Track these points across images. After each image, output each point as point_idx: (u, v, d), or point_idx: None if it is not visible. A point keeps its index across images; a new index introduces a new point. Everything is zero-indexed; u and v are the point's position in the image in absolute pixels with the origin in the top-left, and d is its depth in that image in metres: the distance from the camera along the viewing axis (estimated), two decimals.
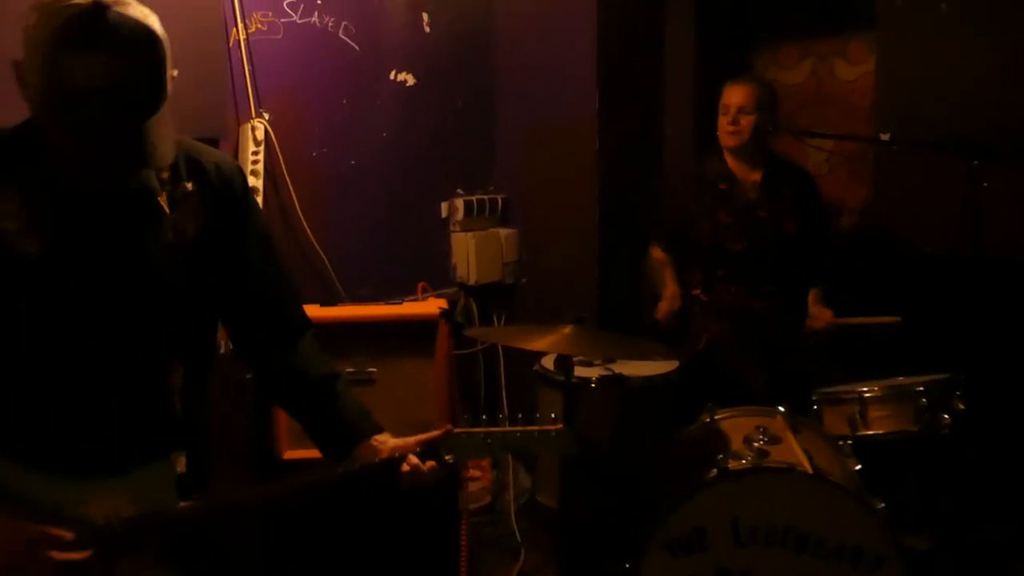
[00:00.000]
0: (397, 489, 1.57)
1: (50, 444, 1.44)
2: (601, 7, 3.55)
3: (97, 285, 1.43)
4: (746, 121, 3.05)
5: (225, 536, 1.59)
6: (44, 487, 1.42)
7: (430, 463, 1.56)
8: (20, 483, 1.42)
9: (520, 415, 1.63)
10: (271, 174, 3.02)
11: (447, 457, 1.58)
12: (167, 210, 1.47)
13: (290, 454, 2.71)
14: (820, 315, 3.03)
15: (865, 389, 2.50)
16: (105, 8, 1.28)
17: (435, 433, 1.59)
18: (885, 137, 3.18)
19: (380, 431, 1.63)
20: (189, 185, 1.50)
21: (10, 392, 1.44)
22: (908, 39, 3.23)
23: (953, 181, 2.88)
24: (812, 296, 3.09)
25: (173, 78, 1.40)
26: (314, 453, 2.58)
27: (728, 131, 3.08)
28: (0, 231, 1.36)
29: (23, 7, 1.32)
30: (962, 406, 2.44)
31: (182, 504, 1.48)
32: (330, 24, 3.23)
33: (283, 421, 2.71)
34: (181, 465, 1.49)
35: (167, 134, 1.37)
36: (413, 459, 1.55)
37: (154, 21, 1.35)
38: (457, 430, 1.59)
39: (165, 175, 1.47)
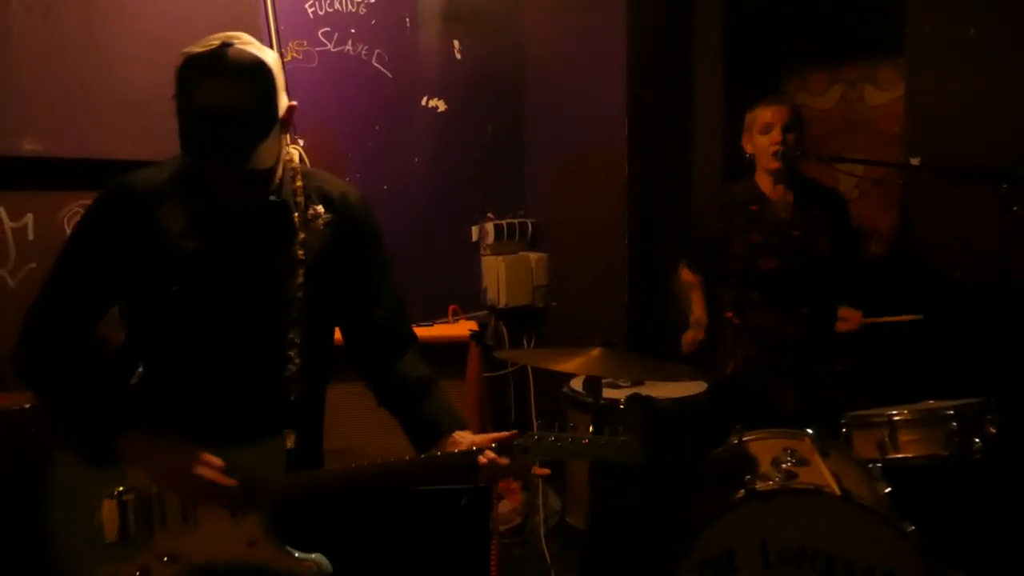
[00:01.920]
0: (476, 483, 1.76)
1: (185, 414, 1.70)
2: (630, 35, 3.60)
3: (235, 282, 1.70)
4: (792, 138, 3.03)
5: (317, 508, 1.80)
6: None
7: (505, 459, 1.70)
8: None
9: (591, 428, 1.74)
10: None
11: (531, 465, 1.72)
12: (298, 226, 1.73)
13: None
14: (850, 316, 3.02)
15: (895, 412, 2.47)
16: (226, 47, 1.57)
17: (506, 433, 1.73)
18: (915, 162, 3.19)
19: (463, 428, 1.81)
20: (319, 208, 1.76)
21: (153, 367, 1.75)
22: (937, 64, 3.23)
23: (983, 206, 2.87)
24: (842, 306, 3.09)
25: (293, 107, 1.67)
26: None
27: (773, 150, 3.02)
28: (167, 229, 1.66)
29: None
30: (993, 430, 2.41)
31: (289, 473, 1.69)
32: (363, 52, 3.31)
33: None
34: (291, 441, 1.70)
35: (274, 149, 1.62)
36: (490, 453, 1.69)
37: (269, 57, 1.62)
38: (529, 433, 1.71)
39: (300, 199, 1.75)
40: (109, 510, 1.71)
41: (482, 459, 1.70)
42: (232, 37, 1.60)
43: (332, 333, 1.86)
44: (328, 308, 1.79)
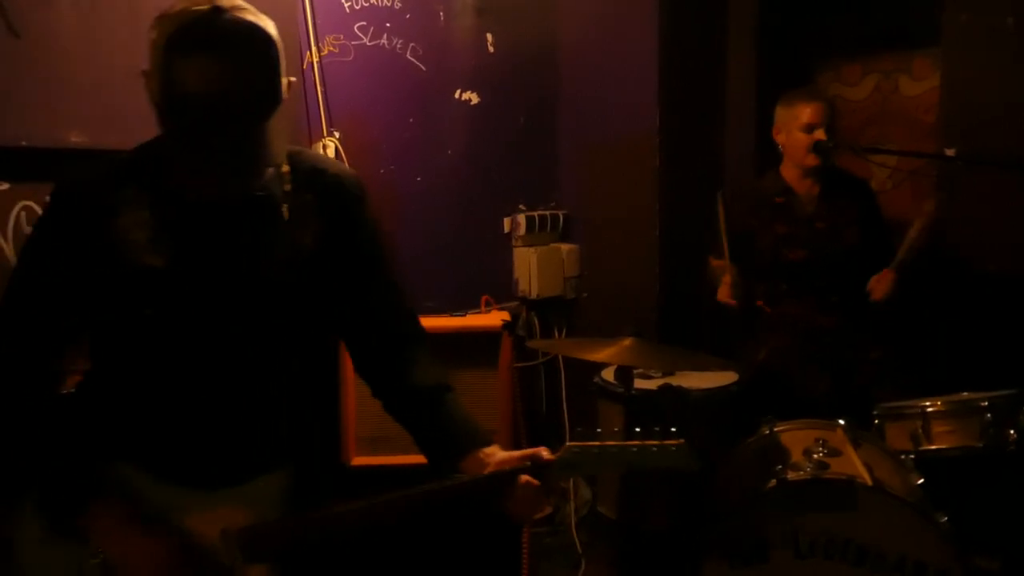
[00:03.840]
0: (501, 509, 1.50)
1: (170, 453, 1.46)
2: (662, 26, 3.59)
3: (218, 295, 1.44)
4: (828, 135, 3.03)
5: (329, 546, 1.56)
6: (164, 495, 1.45)
7: (537, 482, 1.47)
8: (144, 491, 1.44)
9: (637, 429, 1.49)
10: None
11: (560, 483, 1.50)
12: (286, 222, 1.47)
13: (359, 461, 2.80)
14: (881, 278, 2.96)
15: (928, 404, 2.46)
16: (219, 13, 1.28)
17: (542, 450, 1.51)
18: (950, 153, 3.16)
19: (488, 443, 1.57)
20: (309, 196, 1.50)
21: (132, 401, 1.47)
22: (973, 54, 3.19)
23: (1019, 198, 2.85)
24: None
25: (291, 83, 1.41)
26: (382, 460, 2.73)
27: (817, 148, 3.01)
28: (131, 241, 1.39)
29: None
30: None
31: (291, 514, 1.48)
32: (398, 46, 3.34)
33: (352, 428, 2.79)
34: (290, 475, 1.50)
35: (280, 138, 1.36)
36: (523, 477, 1.46)
37: (269, 25, 1.35)
38: (569, 443, 1.50)
39: (287, 187, 1.48)
40: (91, 572, 1.42)
41: (519, 479, 1.47)
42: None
43: (335, 342, 1.67)
44: (326, 315, 1.55)
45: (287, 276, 1.47)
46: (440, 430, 1.60)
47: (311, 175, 1.52)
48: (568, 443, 1.50)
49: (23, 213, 2.56)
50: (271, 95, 1.32)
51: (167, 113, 1.30)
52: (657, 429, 1.48)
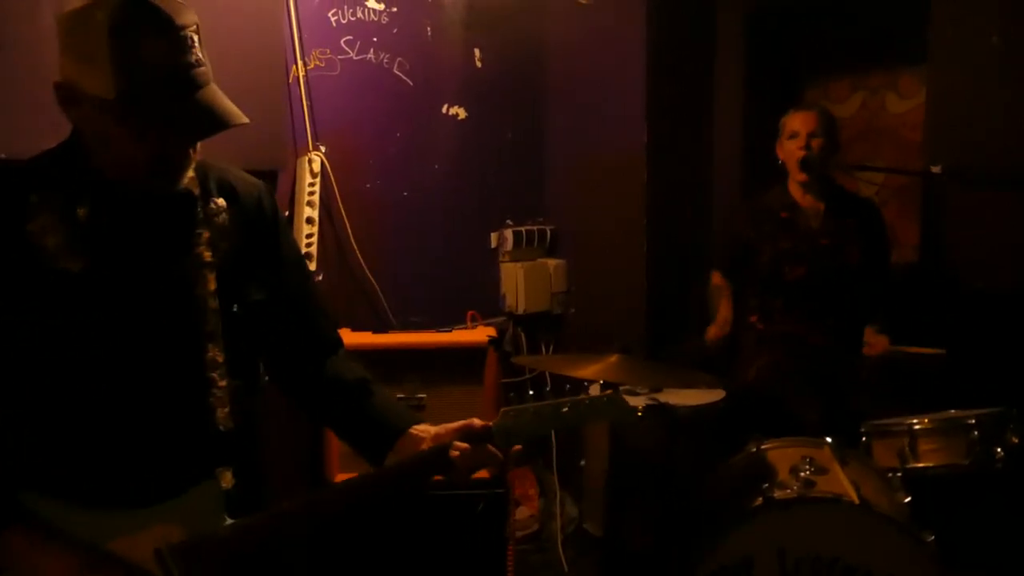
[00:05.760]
0: (452, 482, 1.50)
1: (89, 474, 1.39)
2: (651, 42, 3.60)
3: (136, 299, 1.40)
4: (816, 144, 3.04)
5: (281, 552, 1.55)
6: (87, 522, 1.36)
7: (467, 445, 1.48)
8: (63, 521, 1.36)
9: (567, 386, 1.53)
10: (326, 205, 3.12)
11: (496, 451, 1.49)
12: (200, 223, 1.46)
13: (342, 477, 2.77)
14: (876, 343, 2.99)
15: (915, 422, 2.46)
16: None
17: (476, 421, 1.52)
18: (936, 170, 3.17)
19: (419, 421, 1.59)
20: (220, 201, 1.50)
21: (46, 419, 1.39)
22: (959, 72, 3.21)
23: (1005, 214, 2.86)
24: (869, 328, 3.07)
25: None
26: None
27: (800, 156, 3.04)
28: (40, 247, 1.34)
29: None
30: (1016, 440, 2.39)
31: (231, 522, 1.43)
32: (385, 61, 3.33)
33: (335, 444, 2.76)
34: (227, 481, 1.45)
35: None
36: (461, 444, 1.48)
37: None
38: (504, 408, 1.51)
39: (196, 191, 1.47)
40: None
41: (454, 452, 1.47)
42: None
43: (256, 344, 1.58)
44: (245, 316, 1.51)
45: (203, 279, 1.45)
46: (369, 419, 1.62)
47: (219, 183, 1.53)
48: (503, 408, 1.51)
49: None
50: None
51: (131, 99, 1.28)
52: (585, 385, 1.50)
